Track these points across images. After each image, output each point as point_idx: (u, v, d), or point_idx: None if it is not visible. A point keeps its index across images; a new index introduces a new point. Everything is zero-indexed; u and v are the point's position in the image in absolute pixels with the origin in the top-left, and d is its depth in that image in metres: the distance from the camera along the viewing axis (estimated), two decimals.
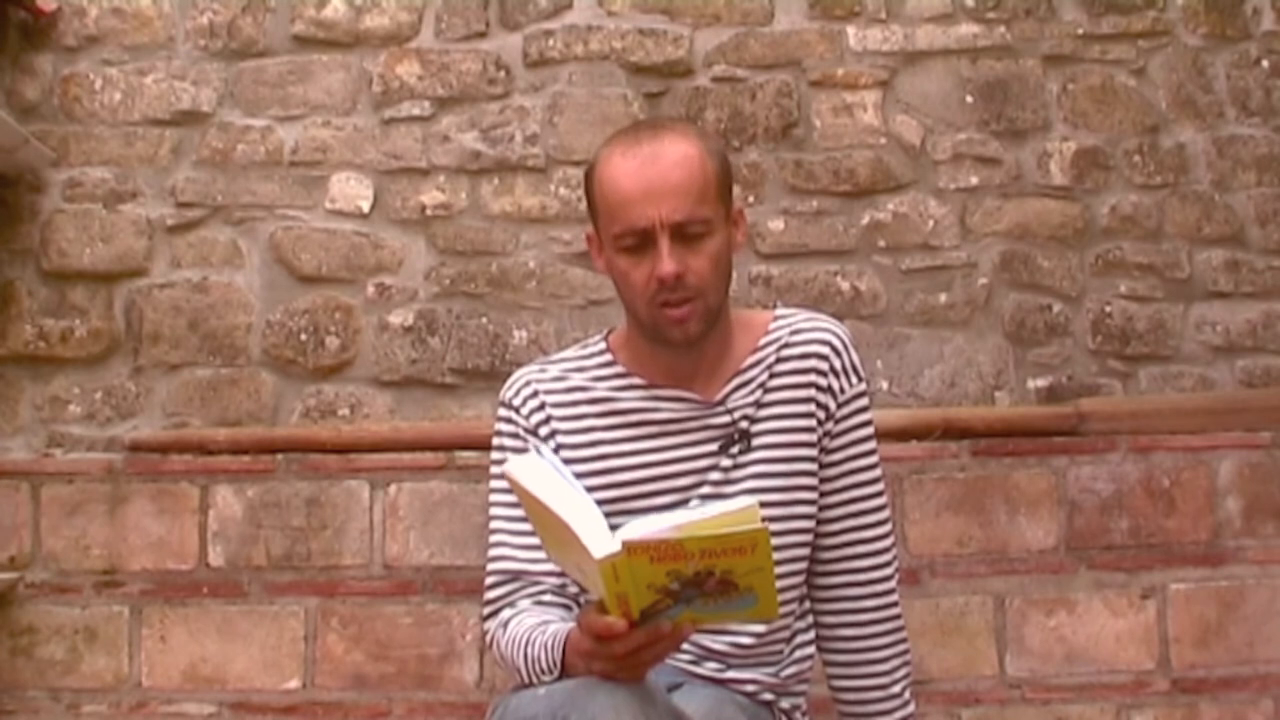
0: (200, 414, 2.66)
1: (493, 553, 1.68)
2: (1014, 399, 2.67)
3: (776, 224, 2.71)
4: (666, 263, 1.55)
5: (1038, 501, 2.52)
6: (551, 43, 2.75)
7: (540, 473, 1.41)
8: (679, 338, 1.60)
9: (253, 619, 2.52)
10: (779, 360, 1.68)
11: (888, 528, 1.72)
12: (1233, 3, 2.79)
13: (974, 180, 2.73)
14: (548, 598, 1.63)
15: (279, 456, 2.56)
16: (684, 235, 1.57)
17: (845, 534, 1.70)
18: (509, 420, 1.71)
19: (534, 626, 1.53)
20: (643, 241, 1.57)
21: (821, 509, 1.69)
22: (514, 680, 1.57)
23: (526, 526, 1.62)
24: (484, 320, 2.69)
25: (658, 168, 1.57)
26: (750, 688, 1.66)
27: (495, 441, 1.73)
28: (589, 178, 1.66)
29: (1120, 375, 2.68)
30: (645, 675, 1.40)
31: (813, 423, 1.67)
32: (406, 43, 2.76)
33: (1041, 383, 2.67)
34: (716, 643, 1.65)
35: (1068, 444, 2.54)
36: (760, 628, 1.65)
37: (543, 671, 1.48)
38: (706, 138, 1.67)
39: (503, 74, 2.75)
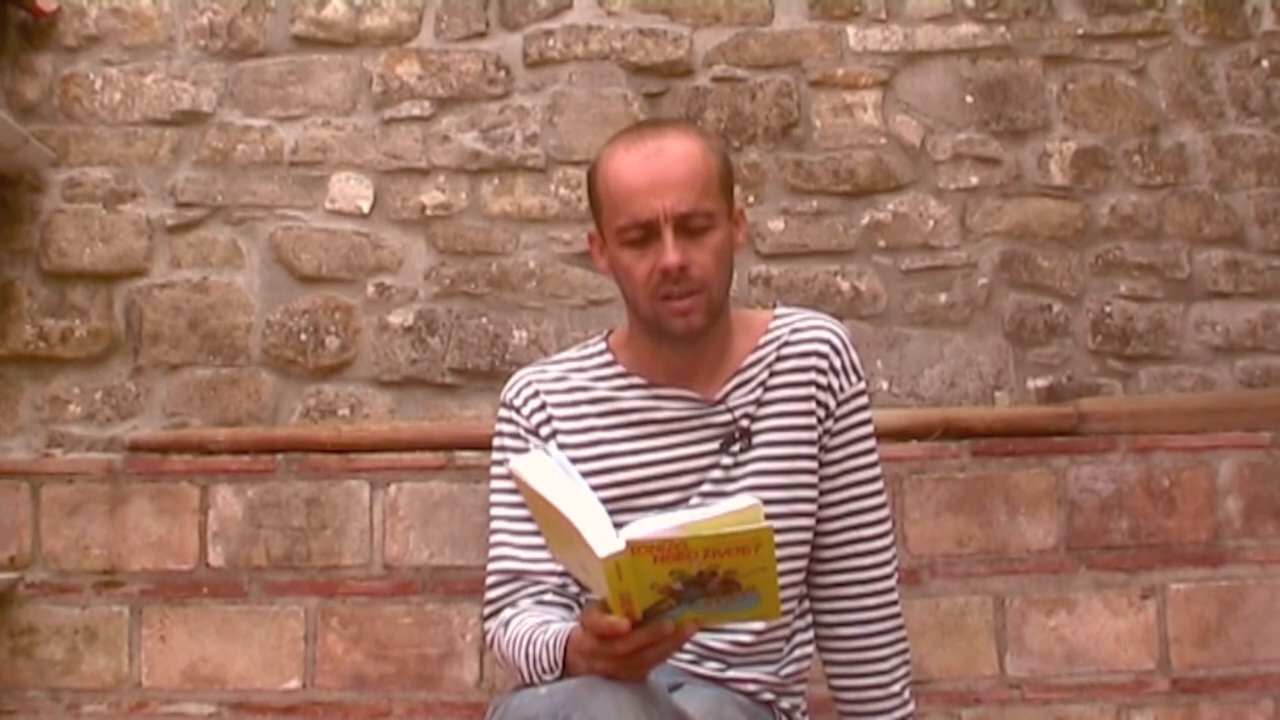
0: (200, 414, 2.66)
1: (494, 552, 1.68)
2: (1014, 399, 2.67)
3: (776, 224, 2.71)
4: (670, 254, 1.56)
5: (1038, 501, 2.52)
6: (551, 43, 2.75)
7: (546, 471, 1.41)
8: (682, 329, 1.60)
9: (253, 619, 2.52)
10: (779, 359, 1.68)
11: (887, 526, 1.72)
12: (1233, 3, 2.79)
13: (974, 180, 2.73)
14: (549, 597, 1.63)
15: (279, 456, 2.56)
16: (687, 228, 1.58)
17: (845, 533, 1.70)
18: (510, 420, 1.71)
19: (535, 626, 1.53)
20: (646, 234, 1.58)
21: (821, 508, 1.69)
22: (514, 680, 1.57)
23: (528, 526, 1.63)
24: (484, 320, 2.69)
25: (662, 161, 1.58)
26: (751, 687, 1.66)
27: (496, 442, 1.73)
28: (592, 175, 1.66)
29: (1120, 375, 2.69)
30: (647, 675, 1.40)
31: (813, 421, 1.68)
32: (406, 43, 2.76)
33: (1041, 383, 2.67)
34: (716, 641, 1.65)
35: (1068, 444, 2.54)
36: (759, 625, 1.65)
37: (544, 671, 1.48)
38: (708, 136, 1.69)
39: (503, 74, 2.75)
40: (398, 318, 2.69)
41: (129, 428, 2.64)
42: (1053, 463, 2.53)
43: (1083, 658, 2.48)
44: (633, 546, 1.28)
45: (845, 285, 2.70)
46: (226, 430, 2.62)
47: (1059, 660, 2.48)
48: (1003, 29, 2.77)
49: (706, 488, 1.64)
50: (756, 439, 1.66)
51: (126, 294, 2.69)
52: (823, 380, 1.68)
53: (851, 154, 2.73)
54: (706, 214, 1.59)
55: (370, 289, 2.70)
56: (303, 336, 2.68)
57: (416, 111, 2.74)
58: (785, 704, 1.70)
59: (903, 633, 1.73)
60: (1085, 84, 2.76)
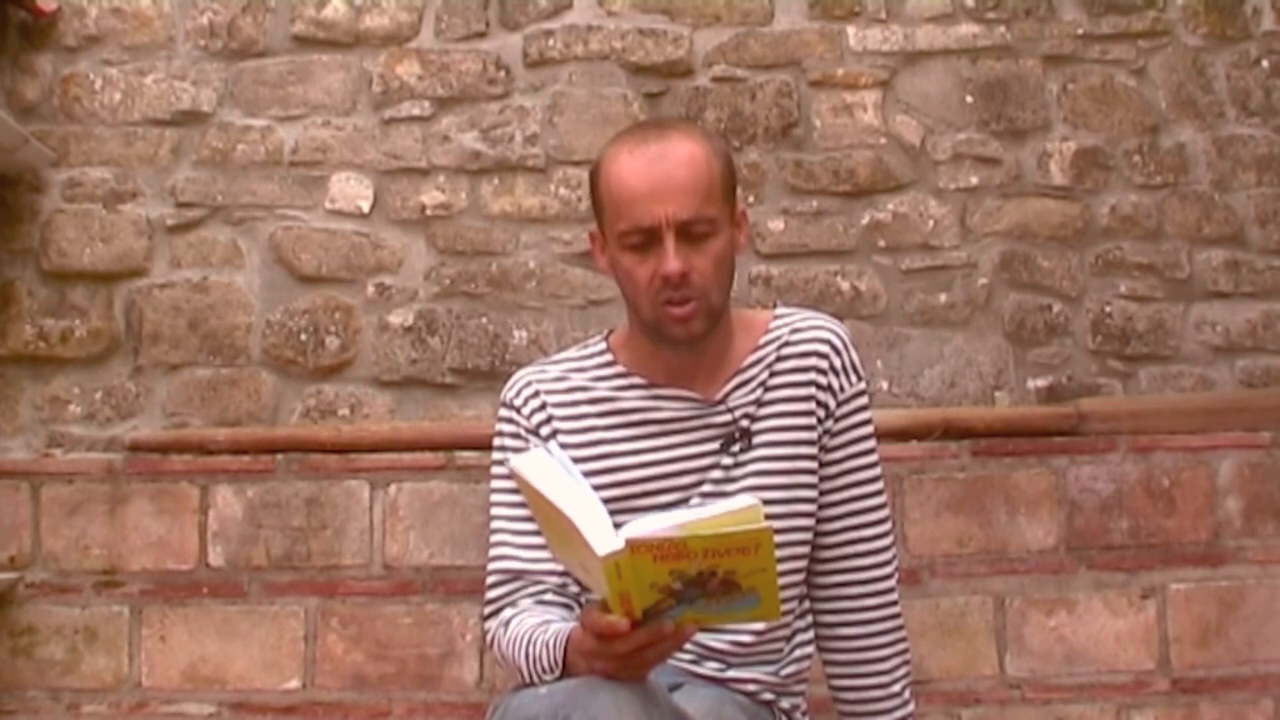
0: (200, 414, 2.66)
1: (494, 552, 1.68)
2: (1014, 399, 2.67)
3: (776, 224, 2.71)
4: (672, 261, 1.56)
5: (1038, 501, 2.52)
6: (551, 43, 2.75)
7: (547, 469, 1.41)
8: (681, 335, 1.60)
9: (253, 619, 2.52)
10: (779, 359, 1.68)
11: (887, 526, 1.72)
12: (1233, 3, 2.79)
13: (974, 180, 2.73)
14: (549, 597, 1.63)
15: (279, 456, 2.56)
16: (689, 234, 1.57)
17: (845, 533, 1.70)
18: (510, 420, 1.71)
19: (535, 626, 1.53)
20: (648, 240, 1.58)
21: (821, 508, 1.69)
22: (515, 680, 1.57)
23: (528, 526, 1.63)
24: (484, 320, 2.69)
25: (664, 166, 1.57)
26: (751, 687, 1.66)
27: (496, 442, 1.73)
28: (594, 176, 1.66)
29: (1120, 375, 2.69)
30: (647, 675, 1.40)
31: (813, 421, 1.67)
32: (406, 43, 2.76)
33: (1041, 383, 2.67)
34: (717, 641, 1.65)
35: (1068, 444, 2.54)
36: (760, 626, 1.65)
37: (544, 670, 1.48)
38: (711, 138, 1.67)
39: (503, 74, 2.75)
40: (398, 318, 2.69)
41: (129, 428, 2.64)
42: (1053, 463, 2.53)
43: (1083, 658, 2.48)
44: (632, 545, 1.28)
45: (845, 285, 2.70)
46: (226, 430, 2.62)
47: (1059, 660, 2.48)
48: (1003, 29, 2.77)
49: (706, 488, 1.64)
50: (756, 439, 1.66)
51: (126, 294, 2.69)
52: (823, 380, 1.68)
53: (851, 154, 2.73)
54: (709, 220, 1.58)
55: (370, 289, 2.70)
56: (303, 336, 2.68)
57: (416, 111, 2.74)
58: (785, 704, 1.70)
59: (903, 633, 1.73)
60: (1085, 84, 2.76)
